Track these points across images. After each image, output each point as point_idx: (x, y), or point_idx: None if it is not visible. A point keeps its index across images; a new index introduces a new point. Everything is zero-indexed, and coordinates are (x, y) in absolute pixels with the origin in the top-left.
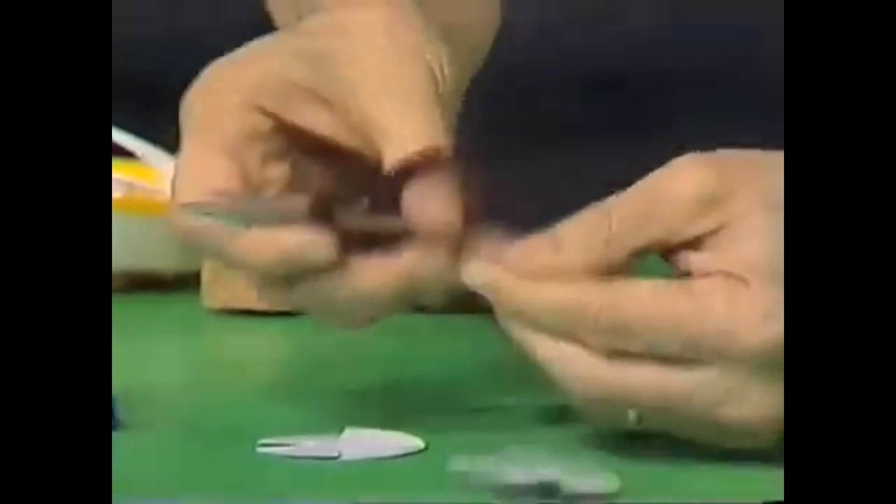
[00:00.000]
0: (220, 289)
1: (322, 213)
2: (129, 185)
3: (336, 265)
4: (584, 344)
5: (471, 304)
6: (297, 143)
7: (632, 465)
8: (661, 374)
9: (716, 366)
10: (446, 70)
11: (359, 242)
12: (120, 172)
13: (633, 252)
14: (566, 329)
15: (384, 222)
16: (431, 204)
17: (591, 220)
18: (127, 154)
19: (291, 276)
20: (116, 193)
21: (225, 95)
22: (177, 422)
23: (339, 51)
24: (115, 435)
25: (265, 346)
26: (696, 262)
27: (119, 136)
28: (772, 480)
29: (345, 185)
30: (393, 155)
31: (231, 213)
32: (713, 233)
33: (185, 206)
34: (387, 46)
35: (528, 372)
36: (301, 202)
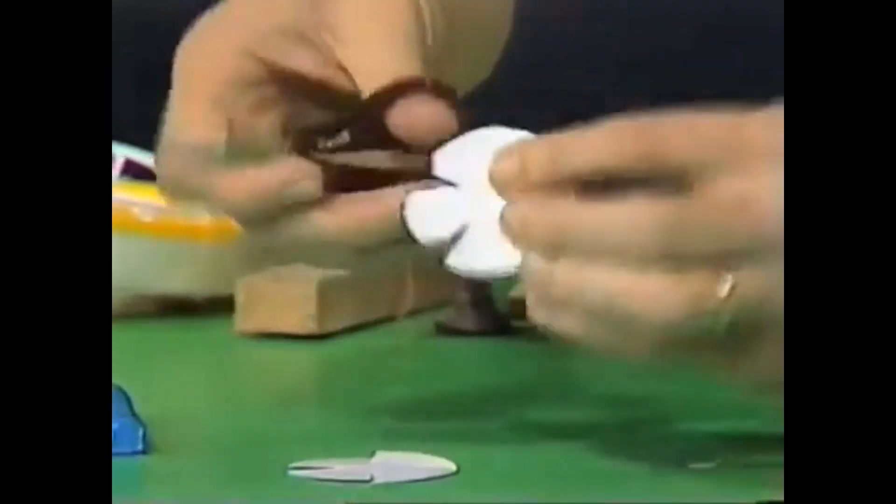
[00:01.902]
0: (255, 312)
1: (303, 149)
2: (161, 210)
3: (320, 199)
4: None
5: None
6: (292, 88)
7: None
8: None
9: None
10: (437, 11)
11: (341, 180)
12: (152, 197)
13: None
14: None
15: (367, 158)
16: (417, 116)
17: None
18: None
19: (274, 214)
20: (147, 217)
21: (215, 44)
22: (208, 445)
23: None
24: (145, 459)
25: (296, 370)
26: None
27: (151, 161)
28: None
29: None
30: (364, 86)
31: (212, 149)
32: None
33: (172, 147)
34: None
35: (559, 393)
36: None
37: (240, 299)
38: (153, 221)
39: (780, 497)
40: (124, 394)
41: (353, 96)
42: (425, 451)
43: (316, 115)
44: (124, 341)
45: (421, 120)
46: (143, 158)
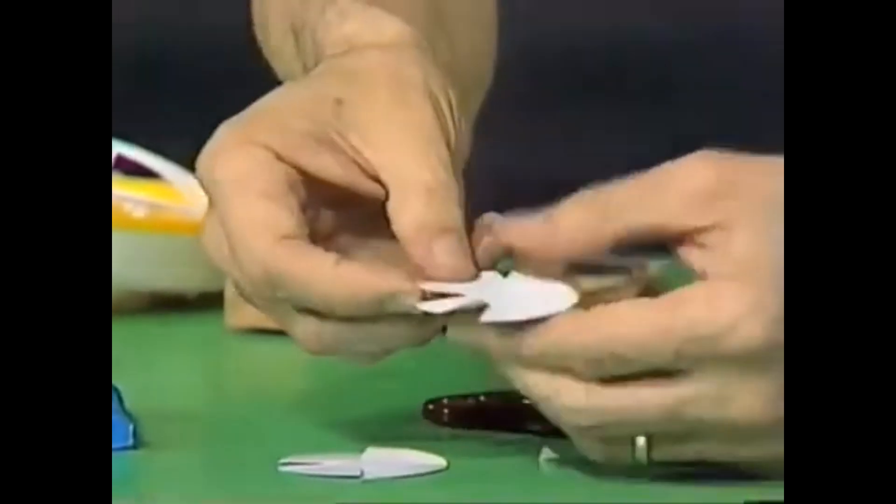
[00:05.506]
0: (243, 308)
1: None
2: (153, 206)
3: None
4: (577, 375)
5: None
6: (316, 192)
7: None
8: (660, 389)
9: (708, 370)
10: (455, 107)
11: None
12: (144, 192)
13: (629, 232)
14: (558, 365)
15: None
16: (440, 259)
17: (589, 199)
18: (151, 174)
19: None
20: (140, 213)
21: (248, 150)
22: (199, 441)
23: (347, 98)
24: (136, 454)
25: (287, 366)
26: (690, 257)
27: (143, 157)
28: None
29: (357, 230)
30: (397, 195)
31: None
32: (707, 229)
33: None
34: (390, 90)
35: None
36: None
37: (230, 295)
38: (144, 217)
39: (781, 497)
40: (115, 389)
41: (375, 201)
42: (415, 448)
43: (334, 220)
44: (115, 336)
45: (440, 270)
46: (135, 154)
